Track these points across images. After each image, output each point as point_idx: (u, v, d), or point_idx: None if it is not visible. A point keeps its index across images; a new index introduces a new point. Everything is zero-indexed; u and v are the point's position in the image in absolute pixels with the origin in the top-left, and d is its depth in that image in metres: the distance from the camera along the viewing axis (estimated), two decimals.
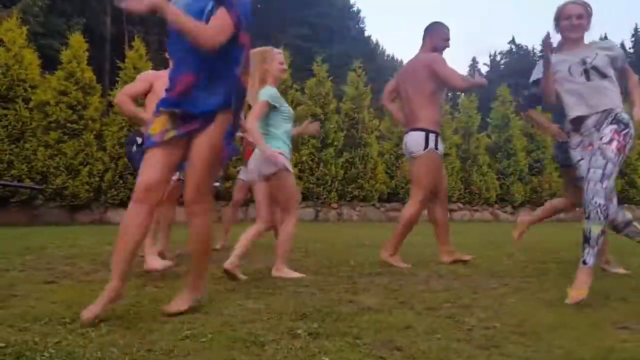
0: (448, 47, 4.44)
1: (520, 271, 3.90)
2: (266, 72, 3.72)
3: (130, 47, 10.42)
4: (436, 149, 4.26)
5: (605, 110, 3.03)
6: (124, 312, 2.48)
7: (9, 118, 9.07)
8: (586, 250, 2.83)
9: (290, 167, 3.70)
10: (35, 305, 2.63)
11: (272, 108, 3.65)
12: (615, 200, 3.25)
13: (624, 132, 2.94)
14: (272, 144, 3.65)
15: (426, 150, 4.21)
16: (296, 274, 3.61)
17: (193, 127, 2.40)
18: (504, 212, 13.58)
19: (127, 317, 2.39)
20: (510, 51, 55.09)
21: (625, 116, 3.01)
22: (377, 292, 3.04)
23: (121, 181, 9.84)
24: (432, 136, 4.22)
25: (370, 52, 39.51)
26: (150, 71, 4.51)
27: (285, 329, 2.20)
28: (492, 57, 55.46)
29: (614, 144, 2.90)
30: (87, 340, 2.02)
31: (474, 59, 54.99)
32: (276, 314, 2.46)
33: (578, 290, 2.75)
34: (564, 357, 1.85)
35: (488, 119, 14.35)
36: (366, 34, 42.76)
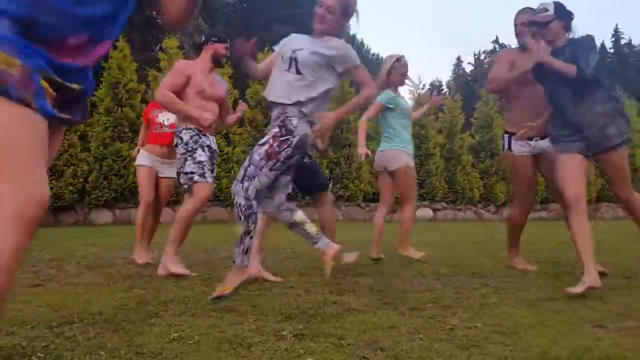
0: (527, 34, 3.90)
1: (501, 271, 3.98)
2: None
3: (114, 47, 10.36)
4: (510, 149, 4.08)
5: (280, 105, 2.92)
6: (111, 315, 2.51)
7: None
8: (234, 250, 2.85)
9: (410, 163, 4.57)
10: (22, 309, 2.64)
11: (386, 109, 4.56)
12: (279, 197, 3.00)
13: (281, 139, 2.85)
14: (391, 143, 4.54)
15: (504, 151, 4.18)
16: (417, 254, 4.43)
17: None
18: (487, 211, 13.73)
19: (115, 320, 2.41)
20: (494, 50, 55.51)
21: (293, 123, 2.88)
22: (361, 293, 3.09)
23: (105, 182, 9.79)
24: (506, 137, 4.13)
25: (355, 50, 39.54)
26: (183, 61, 4.24)
27: (271, 330, 2.24)
28: (476, 57, 55.82)
29: (264, 147, 2.83)
30: (74, 344, 2.04)
31: (458, 59, 55.21)
32: (262, 316, 2.50)
33: (223, 287, 2.79)
34: (541, 355, 1.91)
35: (472, 119, 14.49)
36: (351, 32, 42.78)
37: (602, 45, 49.94)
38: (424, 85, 21.41)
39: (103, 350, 1.94)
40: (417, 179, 12.72)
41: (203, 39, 4.11)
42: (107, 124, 9.86)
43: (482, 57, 54.05)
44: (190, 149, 3.79)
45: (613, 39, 49.69)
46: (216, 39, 4.01)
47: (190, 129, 3.83)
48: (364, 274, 3.82)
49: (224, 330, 2.23)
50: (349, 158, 12.03)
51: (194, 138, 3.81)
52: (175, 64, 4.05)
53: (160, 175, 4.68)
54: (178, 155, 3.86)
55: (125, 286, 3.33)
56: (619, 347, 2.02)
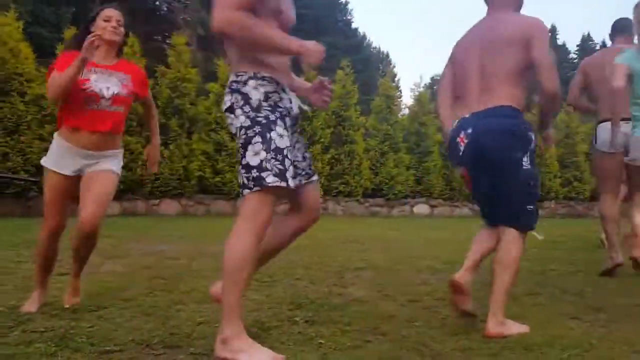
0: None
1: (491, 267, 4.27)
2: None
3: (124, 42, 10.59)
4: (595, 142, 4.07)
5: None
6: (141, 301, 2.82)
7: (4, 111, 9.25)
8: None
9: None
10: (58, 295, 2.92)
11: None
12: None
13: None
14: None
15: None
16: None
17: None
18: None
19: (145, 306, 2.72)
20: None
21: None
22: (363, 286, 3.40)
23: None
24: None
25: (357, 44, 39.61)
26: None
27: (285, 317, 2.55)
28: None
29: None
30: (116, 325, 2.35)
31: None
32: (276, 304, 2.82)
33: None
34: (518, 341, 2.22)
35: None
36: (353, 25, 42.74)
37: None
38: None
39: (144, 329, 2.25)
40: (415, 176, 13.12)
41: None
42: None
43: None
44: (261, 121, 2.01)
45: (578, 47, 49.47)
46: None
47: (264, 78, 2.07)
48: (364, 268, 4.13)
49: (244, 317, 2.53)
50: (350, 154, 12.31)
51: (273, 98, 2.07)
52: None
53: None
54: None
55: (147, 275, 3.63)
56: (588, 336, 2.33)
